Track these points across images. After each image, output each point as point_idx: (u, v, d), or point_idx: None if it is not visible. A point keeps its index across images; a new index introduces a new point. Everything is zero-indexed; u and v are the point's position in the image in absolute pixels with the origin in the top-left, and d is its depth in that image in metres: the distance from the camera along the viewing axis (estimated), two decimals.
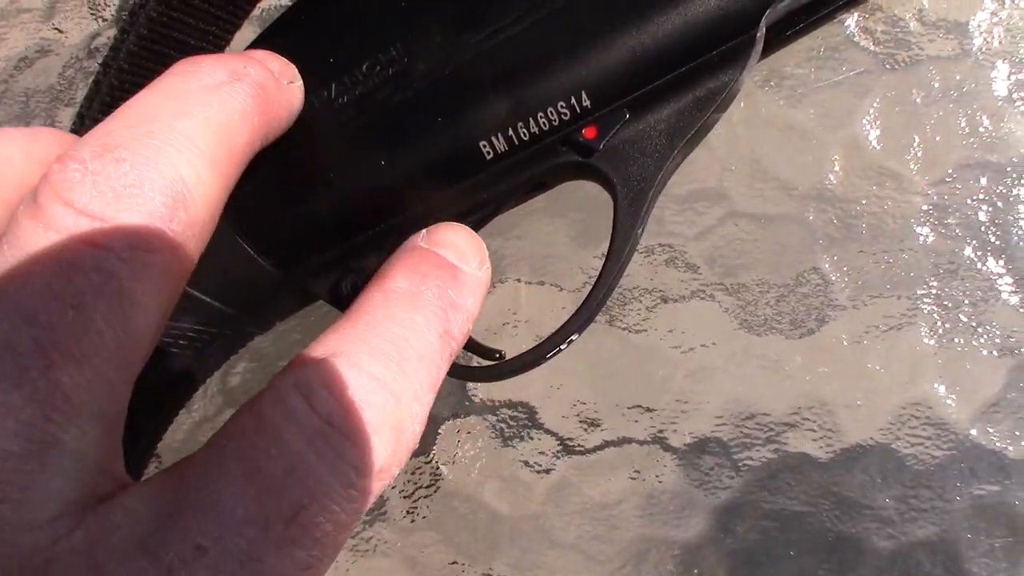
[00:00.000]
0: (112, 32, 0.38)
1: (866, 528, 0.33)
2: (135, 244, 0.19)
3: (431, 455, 0.36)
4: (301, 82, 0.28)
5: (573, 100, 0.27)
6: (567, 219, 0.35)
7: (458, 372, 0.29)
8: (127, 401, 0.20)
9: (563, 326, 0.29)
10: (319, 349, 0.22)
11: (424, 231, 0.27)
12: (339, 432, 0.20)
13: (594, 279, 0.35)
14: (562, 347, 0.29)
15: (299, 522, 0.19)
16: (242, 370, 0.36)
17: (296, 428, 0.20)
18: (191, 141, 0.21)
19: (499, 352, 0.30)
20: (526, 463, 0.35)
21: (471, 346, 0.30)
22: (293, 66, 0.28)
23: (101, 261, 0.19)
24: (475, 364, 0.30)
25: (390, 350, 0.22)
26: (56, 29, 0.39)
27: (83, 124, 0.33)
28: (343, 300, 0.29)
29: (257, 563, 0.18)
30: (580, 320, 0.29)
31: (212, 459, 0.20)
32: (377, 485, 0.21)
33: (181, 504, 0.19)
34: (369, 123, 0.28)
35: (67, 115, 0.38)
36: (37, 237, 0.19)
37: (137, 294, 0.19)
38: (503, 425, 0.35)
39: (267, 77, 0.25)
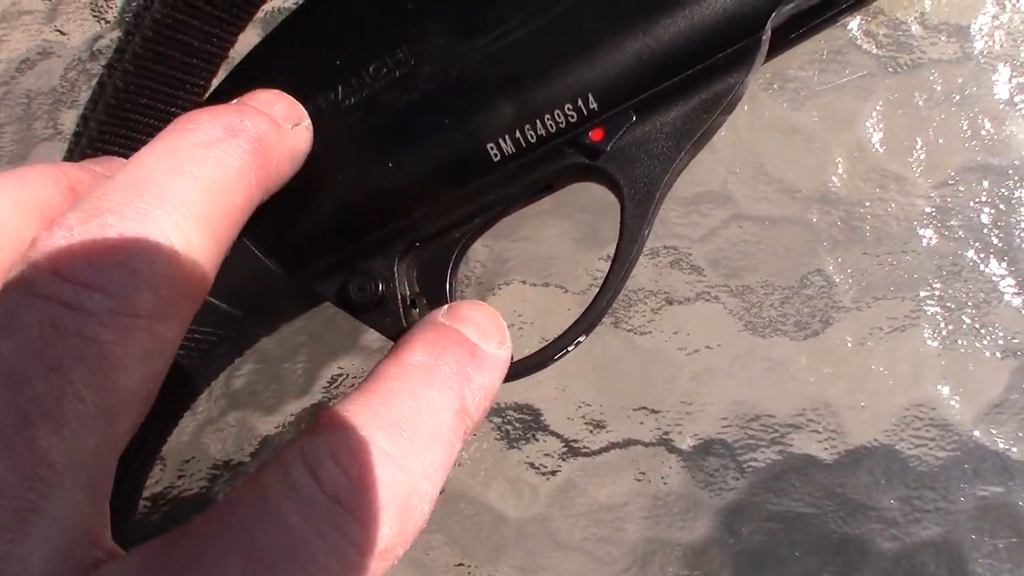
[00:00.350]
0: (114, 34, 0.38)
1: (870, 529, 0.33)
2: (117, 309, 0.19)
3: None
4: (309, 122, 0.27)
5: (580, 102, 0.27)
6: (572, 221, 0.35)
7: None
8: (113, 468, 0.20)
9: (570, 328, 0.29)
10: (329, 420, 0.21)
11: (445, 307, 0.27)
12: (344, 510, 0.19)
13: (599, 281, 0.35)
14: (569, 349, 0.29)
15: None
16: (247, 372, 0.36)
17: (298, 505, 0.19)
18: (181, 202, 0.21)
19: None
20: (531, 465, 0.35)
21: None
22: (300, 107, 0.27)
23: (82, 326, 0.18)
24: None
25: (404, 425, 0.21)
26: (58, 31, 0.39)
27: (87, 126, 0.33)
28: (349, 302, 0.29)
29: None
30: (587, 322, 0.29)
31: (209, 531, 0.19)
32: (380, 566, 0.20)
33: None
34: (376, 125, 0.28)
35: (69, 117, 0.38)
36: (21, 303, 0.19)
37: (120, 358, 0.19)
38: (508, 427, 0.35)
39: (267, 128, 0.24)
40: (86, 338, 0.18)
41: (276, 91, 0.27)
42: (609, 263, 0.34)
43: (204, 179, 0.21)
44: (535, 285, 0.35)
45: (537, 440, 0.35)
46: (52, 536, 0.18)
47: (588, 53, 0.27)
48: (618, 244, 0.29)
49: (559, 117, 0.27)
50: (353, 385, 0.36)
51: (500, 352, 0.25)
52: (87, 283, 0.19)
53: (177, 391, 0.31)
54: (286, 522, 0.19)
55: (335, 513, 0.19)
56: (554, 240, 0.35)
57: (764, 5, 0.27)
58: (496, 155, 0.28)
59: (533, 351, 0.29)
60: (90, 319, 0.18)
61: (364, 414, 0.21)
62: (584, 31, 0.27)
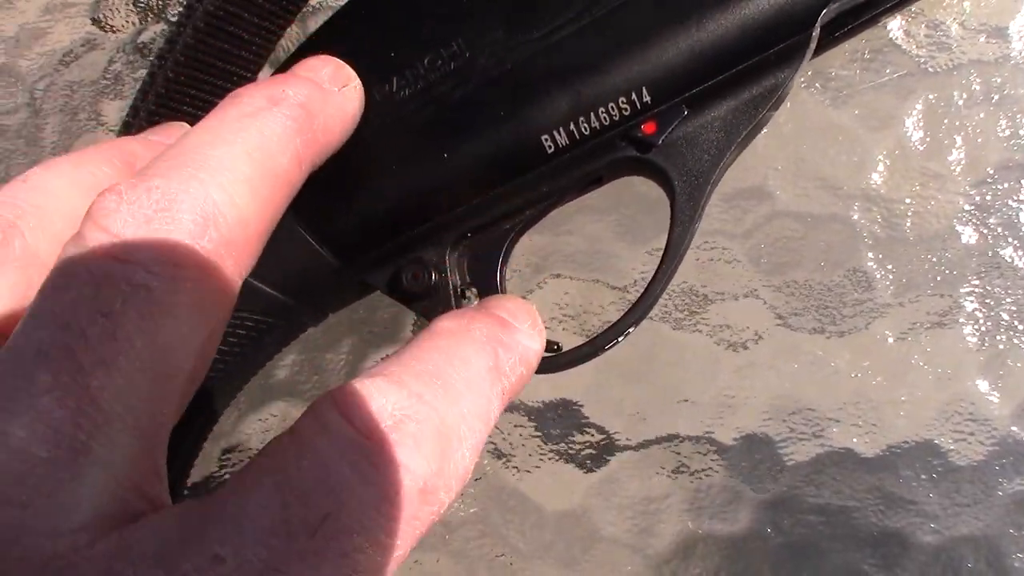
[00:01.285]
0: (158, 27, 0.38)
1: (910, 523, 0.33)
2: (163, 259, 0.20)
3: None
4: (358, 82, 0.28)
5: (634, 95, 0.28)
6: (615, 216, 0.35)
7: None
8: (169, 421, 0.20)
9: (621, 319, 0.29)
10: (361, 376, 0.22)
11: (477, 302, 0.28)
12: (376, 444, 0.20)
13: (642, 276, 0.35)
14: (619, 340, 0.29)
15: (326, 533, 0.18)
16: (289, 363, 0.37)
17: (329, 440, 0.19)
18: (224, 167, 0.21)
19: (556, 344, 0.30)
20: (572, 457, 0.35)
21: None
22: (348, 69, 0.28)
23: (131, 274, 0.19)
24: None
25: (434, 372, 0.22)
26: (101, 23, 0.39)
27: (136, 116, 0.34)
28: (401, 292, 0.30)
29: (278, 573, 0.18)
30: (638, 313, 0.29)
31: (243, 475, 0.19)
32: (423, 509, 0.20)
33: (205, 517, 0.18)
34: (431, 117, 0.28)
35: (112, 109, 0.38)
36: (74, 258, 0.20)
37: (168, 306, 0.20)
38: (549, 420, 0.36)
39: (311, 94, 0.25)
40: (135, 285, 0.19)
41: (324, 56, 0.27)
42: (653, 258, 0.35)
43: (248, 146, 0.22)
44: (578, 279, 0.36)
45: (578, 433, 0.35)
46: (99, 478, 0.18)
47: (642, 47, 0.27)
48: (668, 237, 0.29)
49: (613, 110, 0.28)
50: None
51: (532, 331, 0.26)
52: (134, 238, 0.20)
53: (226, 377, 0.31)
54: (318, 456, 0.19)
55: (367, 447, 0.19)
56: (597, 235, 0.35)
57: (816, 2, 0.27)
58: (550, 147, 0.28)
59: (582, 342, 0.29)
60: (138, 269, 0.19)
61: (393, 366, 0.22)
62: (639, 25, 0.27)
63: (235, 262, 0.22)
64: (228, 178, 0.21)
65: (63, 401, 0.18)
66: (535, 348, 0.26)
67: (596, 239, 0.35)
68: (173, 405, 0.20)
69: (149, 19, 0.38)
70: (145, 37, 0.38)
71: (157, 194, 0.20)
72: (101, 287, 0.19)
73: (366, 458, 0.19)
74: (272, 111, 0.23)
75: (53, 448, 0.18)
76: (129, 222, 0.20)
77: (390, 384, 0.21)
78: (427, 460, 0.20)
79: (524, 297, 0.32)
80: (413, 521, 0.20)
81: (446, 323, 0.24)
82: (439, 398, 0.21)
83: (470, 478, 0.22)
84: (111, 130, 0.38)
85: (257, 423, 0.36)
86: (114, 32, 0.39)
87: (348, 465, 0.19)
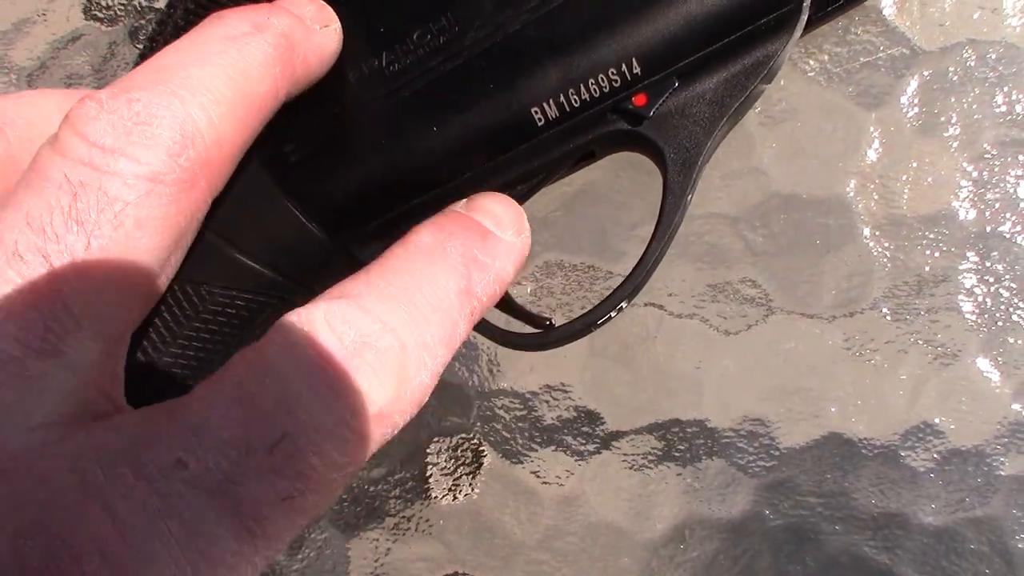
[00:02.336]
0: (151, 16, 0.38)
1: (911, 505, 0.33)
2: (140, 173, 0.20)
3: (473, 433, 0.36)
4: (338, 25, 0.28)
5: (624, 67, 0.27)
6: (607, 198, 0.35)
7: (507, 340, 0.29)
8: (131, 328, 0.21)
9: (613, 294, 0.29)
10: (328, 293, 0.22)
11: (464, 200, 0.27)
12: (335, 369, 0.20)
13: (633, 257, 0.35)
14: (612, 315, 0.29)
15: (283, 450, 0.19)
16: None
17: (293, 362, 0.20)
18: (205, 86, 0.22)
19: (548, 320, 0.30)
20: (569, 442, 0.35)
21: (519, 313, 0.30)
22: (330, 10, 0.28)
23: (105, 183, 0.20)
24: (525, 331, 0.30)
25: (400, 297, 0.22)
26: (96, 15, 0.39)
27: None
28: None
29: (235, 484, 0.18)
30: (630, 286, 0.29)
31: (207, 385, 0.20)
32: (377, 431, 0.21)
33: (169, 422, 0.19)
34: (420, 91, 0.28)
35: None
36: (51, 162, 0.20)
37: (142, 218, 0.20)
38: (545, 404, 0.35)
39: (293, 25, 0.25)
40: (109, 196, 0.20)
41: None
42: (643, 240, 0.34)
43: (229, 68, 0.23)
44: (569, 261, 0.35)
45: (575, 417, 0.35)
46: (67, 379, 0.19)
47: (633, 17, 0.27)
48: (660, 211, 0.29)
49: (603, 82, 0.28)
50: None
51: (515, 240, 0.26)
52: (112, 148, 0.20)
53: (215, 358, 0.31)
54: (280, 376, 0.20)
55: (328, 372, 0.20)
56: (589, 216, 0.35)
57: None
58: (540, 120, 0.28)
59: (573, 318, 0.29)
60: (114, 179, 0.20)
61: (361, 286, 0.22)
62: None
63: (208, 182, 0.22)
64: (208, 98, 0.22)
65: (36, 303, 0.19)
66: (514, 260, 0.26)
67: (587, 220, 0.35)
68: (136, 313, 0.21)
69: (143, 10, 0.38)
70: (141, 25, 0.39)
71: (138, 106, 0.20)
72: (77, 195, 0.19)
73: (326, 383, 0.20)
74: (256, 36, 0.24)
75: (24, 348, 0.18)
76: (108, 131, 0.20)
77: (355, 309, 0.21)
78: (384, 387, 0.21)
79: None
80: (366, 443, 0.20)
81: (423, 237, 0.24)
82: (403, 324, 0.22)
83: (427, 400, 0.22)
84: None
85: None
86: (108, 24, 0.39)
87: (309, 388, 0.20)
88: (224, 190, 0.29)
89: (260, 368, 0.20)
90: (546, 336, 0.29)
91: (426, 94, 0.28)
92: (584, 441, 0.35)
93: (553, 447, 0.35)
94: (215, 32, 0.23)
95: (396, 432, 0.21)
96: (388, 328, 0.21)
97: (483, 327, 0.30)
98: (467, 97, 0.28)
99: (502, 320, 0.30)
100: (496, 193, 0.28)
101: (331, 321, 0.21)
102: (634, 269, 0.29)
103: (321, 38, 0.27)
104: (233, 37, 0.23)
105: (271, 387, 0.19)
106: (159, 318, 0.29)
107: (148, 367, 0.30)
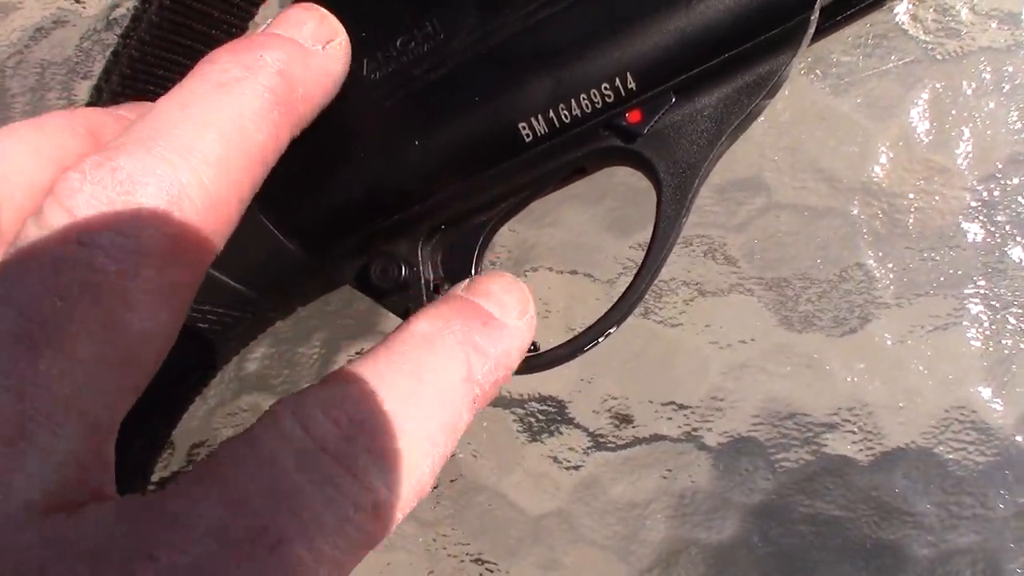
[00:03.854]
0: (131, 3, 0.37)
1: (906, 535, 0.32)
2: (124, 245, 0.19)
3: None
4: (344, 36, 0.26)
5: (618, 82, 0.26)
6: (601, 207, 0.34)
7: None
8: (121, 411, 0.20)
9: (602, 318, 0.28)
10: (324, 380, 0.21)
11: (467, 280, 0.26)
12: (333, 459, 0.19)
13: (627, 269, 0.34)
14: (600, 340, 0.28)
15: (270, 542, 0.18)
16: (260, 355, 0.35)
17: (285, 449, 0.19)
18: (194, 147, 0.21)
19: (535, 344, 0.29)
20: (554, 458, 0.34)
21: None
22: (333, 20, 0.26)
23: (89, 258, 0.19)
24: None
25: (402, 385, 0.21)
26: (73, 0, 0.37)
27: (100, 97, 0.32)
28: (371, 286, 0.28)
29: None
30: (619, 312, 0.28)
31: (192, 476, 0.19)
32: (376, 524, 0.19)
33: (146, 515, 0.18)
34: (402, 101, 0.27)
35: (83, 88, 0.37)
36: (35, 238, 0.19)
37: (127, 293, 0.19)
38: (531, 419, 0.34)
39: (291, 58, 0.23)
40: (94, 270, 0.19)
41: (308, 5, 0.25)
42: (639, 251, 0.33)
43: (221, 123, 0.21)
44: (562, 272, 0.34)
45: (561, 433, 0.34)
46: (41, 464, 0.18)
47: (628, 30, 0.26)
48: (654, 232, 0.28)
49: (595, 97, 0.26)
50: None
51: (519, 323, 0.24)
52: (98, 223, 0.19)
53: (189, 372, 0.30)
54: (273, 467, 0.18)
55: (324, 461, 0.19)
56: (582, 226, 0.34)
57: None
58: (528, 136, 0.27)
59: (561, 341, 0.28)
60: (99, 253, 0.19)
61: (362, 373, 0.21)
62: (624, 7, 0.26)
63: (201, 248, 0.21)
64: (198, 159, 0.20)
65: (11, 387, 0.18)
66: (518, 345, 0.24)
67: (580, 231, 0.34)
68: (127, 395, 0.20)
69: None
70: (117, 14, 0.37)
71: (122, 175, 0.20)
72: (60, 271, 0.19)
73: (324, 476, 0.19)
74: (248, 81, 0.22)
75: None
76: (92, 203, 0.19)
77: (353, 393, 0.20)
78: (385, 478, 0.19)
79: None
80: (363, 538, 0.19)
81: (422, 325, 0.23)
82: (404, 412, 0.20)
83: (429, 492, 0.21)
84: None
85: (227, 417, 0.35)
86: (85, 9, 0.37)
87: (302, 476, 0.18)
88: None
89: (249, 458, 0.19)
90: (531, 361, 0.28)
91: (409, 105, 0.27)
92: (570, 457, 0.34)
93: (537, 461, 0.34)
94: (204, 81, 0.22)
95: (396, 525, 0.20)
96: (388, 415, 0.20)
97: None
98: (451, 109, 0.27)
99: None
100: (499, 274, 0.26)
101: (328, 406, 0.20)
102: (624, 294, 0.28)
103: (324, 61, 0.25)
104: (223, 84, 0.22)
105: (260, 475, 0.18)
106: None
107: None
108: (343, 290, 0.32)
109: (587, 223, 0.34)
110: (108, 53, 0.35)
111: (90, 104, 0.33)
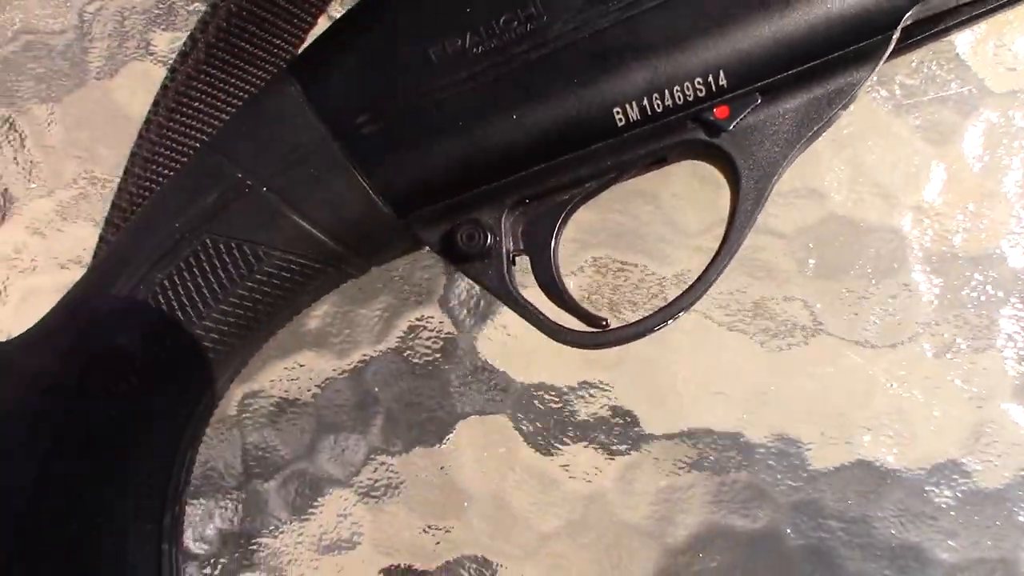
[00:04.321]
0: None
1: (929, 539, 0.33)
2: None
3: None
4: None
5: (710, 77, 0.27)
6: (665, 201, 0.35)
7: (559, 335, 0.29)
8: None
9: (674, 301, 0.29)
10: None
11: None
12: None
13: (682, 268, 0.35)
14: (669, 322, 0.29)
15: None
16: (322, 314, 0.36)
17: None
18: None
19: (604, 320, 0.30)
20: (598, 441, 0.35)
21: (574, 309, 0.30)
22: None
23: None
24: (577, 328, 0.30)
25: None
26: None
27: (195, 47, 0.33)
28: (454, 250, 0.29)
29: None
30: (691, 298, 0.29)
31: None
32: None
33: None
34: (502, 77, 0.28)
35: (162, 40, 0.37)
36: None
37: None
38: (578, 400, 0.35)
39: None
40: None
41: None
42: (695, 253, 0.35)
43: None
44: (620, 260, 0.35)
45: (605, 416, 0.35)
46: None
47: (725, 29, 0.27)
48: (728, 226, 0.29)
49: (688, 90, 0.27)
50: (431, 338, 0.36)
51: None
52: None
53: (260, 321, 0.30)
54: None
55: None
56: (645, 218, 0.35)
57: (900, 5, 0.27)
58: (621, 120, 0.28)
59: (630, 321, 0.29)
60: None
61: None
62: (723, 7, 0.27)
63: None
64: None
65: None
66: None
67: (645, 222, 0.35)
68: None
69: None
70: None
71: None
72: None
73: None
74: None
75: None
76: None
77: None
78: None
79: (565, 274, 0.32)
80: None
81: None
82: None
83: None
84: (160, 60, 0.37)
85: (283, 371, 0.36)
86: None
87: None
88: (290, 156, 0.29)
89: None
90: (600, 336, 0.29)
91: (509, 81, 0.28)
92: (613, 441, 0.35)
93: (585, 443, 0.35)
94: None
95: None
96: None
97: (535, 319, 0.30)
98: (550, 88, 0.28)
99: (554, 314, 0.30)
100: None
101: None
102: (696, 281, 0.29)
103: None
104: None
105: None
106: (212, 275, 0.29)
107: (192, 324, 0.29)
108: (408, 259, 0.33)
109: (650, 215, 0.35)
110: (195, 7, 0.36)
111: (182, 52, 0.33)
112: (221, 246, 0.29)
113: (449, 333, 0.36)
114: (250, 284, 0.29)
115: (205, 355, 0.30)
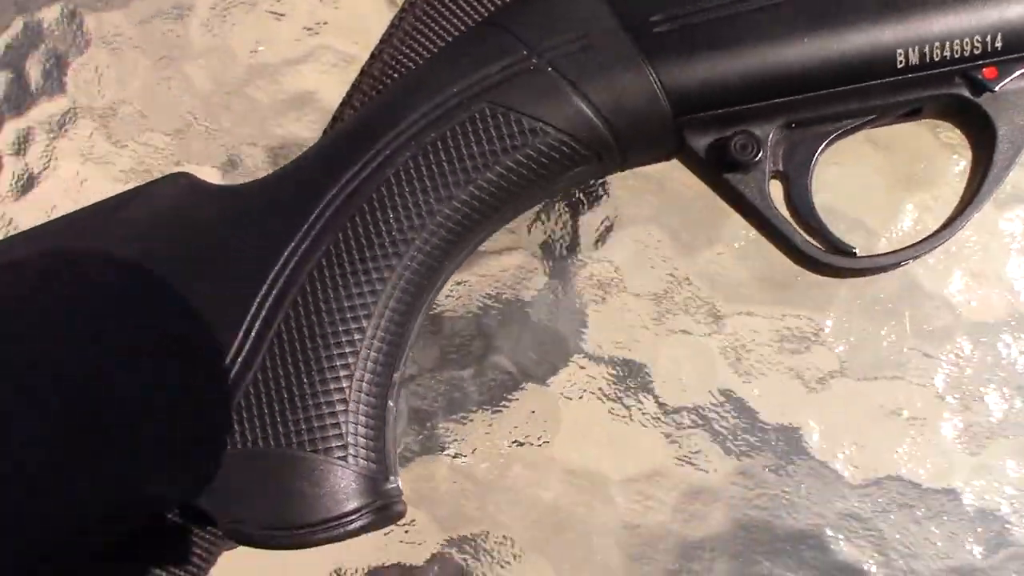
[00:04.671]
0: None
1: (950, 567, 0.35)
2: None
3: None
4: None
5: (988, 37, 0.29)
6: (891, 161, 0.37)
7: (815, 260, 0.31)
8: None
9: (925, 239, 0.31)
10: None
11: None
12: None
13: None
14: (913, 259, 0.31)
15: None
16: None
17: None
18: None
19: (853, 249, 0.31)
20: (632, 419, 0.36)
21: (828, 237, 0.31)
22: None
23: None
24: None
25: None
26: None
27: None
28: (724, 158, 0.30)
29: None
30: (939, 239, 0.30)
31: None
32: None
33: None
34: (800, 6, 0.29)
35: None
36: None
37: None
38: (614, 386, 0.37)
39: None
40: None
41: None
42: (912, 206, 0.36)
43: None
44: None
45: (639, 401, 0.36)
46: None
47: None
48: (980, 182, 0.30)
49: (967, 44, 0.29)
50: None
51: None
52: None
53: (521, 200, 0.31)
54: None
55: None
56: (866, 178, 0.37)
57: None
58: (901, 62, 0.29)
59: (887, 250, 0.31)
60: None
61: None
62: None
63: None
64: None
65: None
66: None
67: (863, 184, 0.36)
68: None
69: None
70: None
71: None
72: None
73: None
74: None
75: None
76: None
77: None
78: None
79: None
80: None
81: None
82: None
83: None
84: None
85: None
86: None
87: None
88: (579, 41, 0.29)
89: None
90: (855, 262, 0.31)
91: (807, 4, 0.29)
92: (645, 423, 0.36)
93: (617, 428, 0.37)
94: None
95: None
96: None
97: (788, 238, 0.31)
98: (845, 16, 0.29)
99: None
100: None
101: None
102: (946, 226, 0.31)
103: None
104: None
105: None
106: (487, 141, 0.29)
107: (455, 188, 0.30)
108: None
109: (872, 175, 0.36)
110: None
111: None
112: (500, 115, 0.29)
113: None
114: (519, 158, 0.29)
115: (458, 226, 0.30)
